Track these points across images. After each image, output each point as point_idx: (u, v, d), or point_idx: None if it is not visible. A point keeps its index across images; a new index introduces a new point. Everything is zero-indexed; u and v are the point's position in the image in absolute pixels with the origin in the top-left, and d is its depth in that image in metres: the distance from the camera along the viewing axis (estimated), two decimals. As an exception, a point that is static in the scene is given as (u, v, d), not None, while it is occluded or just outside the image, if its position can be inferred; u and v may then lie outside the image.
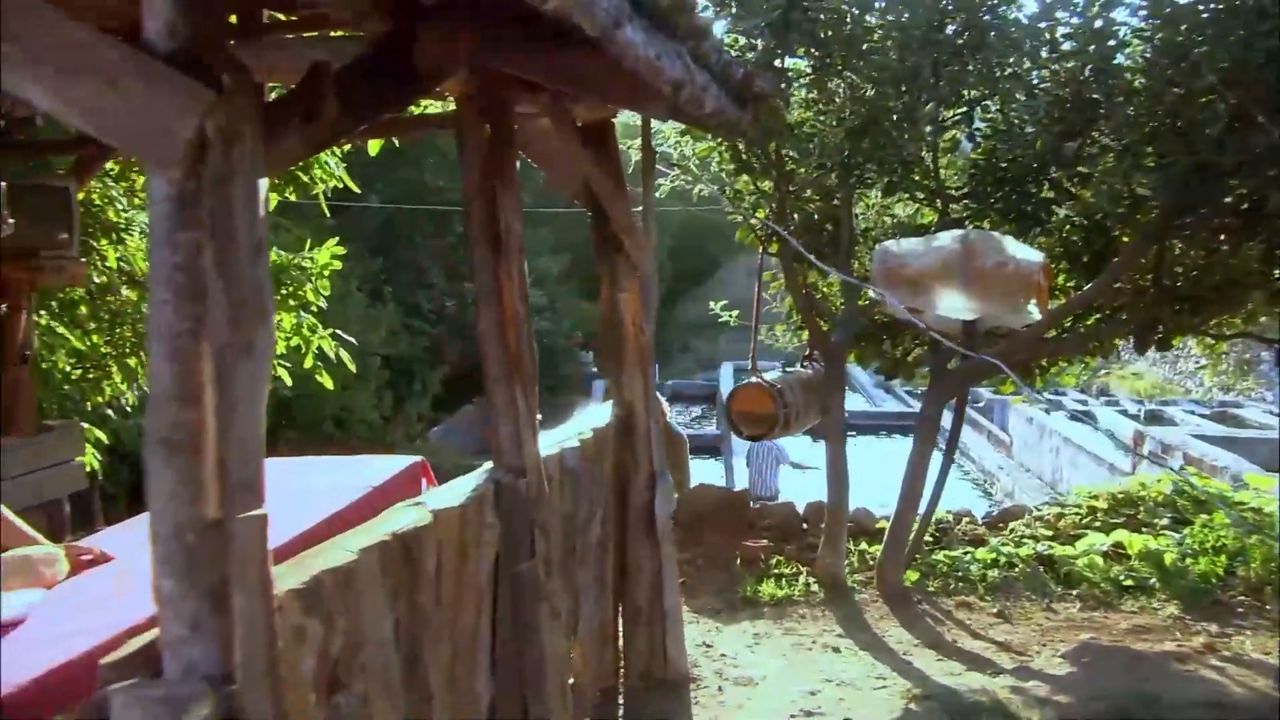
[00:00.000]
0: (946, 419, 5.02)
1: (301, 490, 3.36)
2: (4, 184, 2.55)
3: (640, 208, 3.38)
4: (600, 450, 3.10)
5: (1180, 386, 21.38)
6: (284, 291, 5.58)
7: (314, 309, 5.69)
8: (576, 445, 2.84)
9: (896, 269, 4.33)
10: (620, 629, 3.34)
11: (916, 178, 4.74)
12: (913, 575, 4.62)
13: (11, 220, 2.59)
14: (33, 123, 3.57)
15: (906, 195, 5.03)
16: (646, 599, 3.33)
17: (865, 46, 3.93)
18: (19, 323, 3.69)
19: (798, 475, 8.39)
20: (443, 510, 1.96)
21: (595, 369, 21.99)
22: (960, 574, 4.69)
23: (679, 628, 3.40)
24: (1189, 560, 4.58)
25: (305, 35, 2.57)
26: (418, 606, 1.85)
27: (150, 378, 1.26)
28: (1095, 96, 4.02)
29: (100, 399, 5.80)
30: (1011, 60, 4.24)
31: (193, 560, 1.23)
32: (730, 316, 5.86)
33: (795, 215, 4.50)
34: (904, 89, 4.03)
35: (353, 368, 5.96)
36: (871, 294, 4.48)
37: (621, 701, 3.15)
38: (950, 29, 4.10)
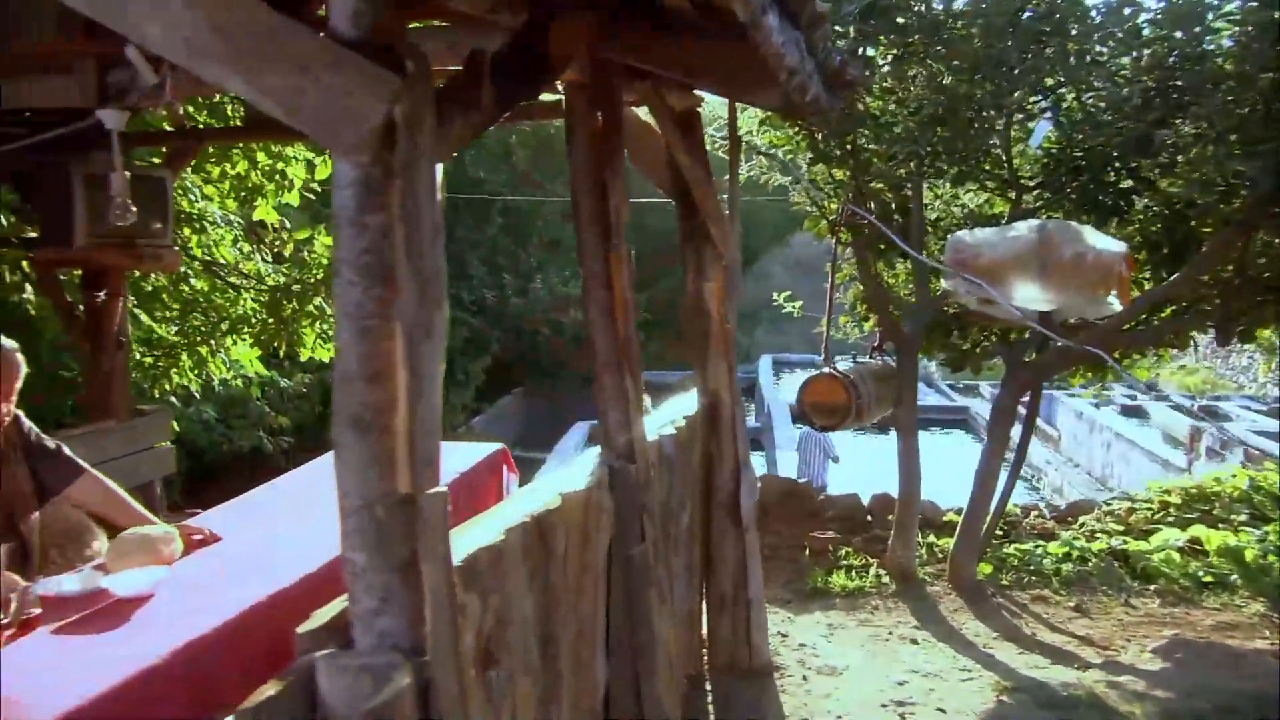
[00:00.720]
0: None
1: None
2: (127, 174, 2.62)
3: (725, 196, 3.38)
4: (691, 439, 3.12)
5: (1232, 382, 20.86)
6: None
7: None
8: (673, 433, 2.86)
9: (970, 259, 4.27)
10: (704, 616, 3.36)
11: (987, 167, 4.68)
12: (986, 568, 4.58)
13: (134, 209, 2.66)
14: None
15: (976, 185, 4.97)
16: (731, 587, 3.34)
17: (946, 35, 3.88)
18: (116, 310, 3.79)
19: (842, 467, 8.39)
20: (570, 494, 1.99)
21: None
22: (1032, 567, 4.64)
23: (763, 616, 3.41)
24: (1271, 557, 4.48)
25: (412, 25, 2.61)
26: (550, 588, 1.88)
27: (337, 357, 1.29)
28: (1180, 83, 3.93)
29: (167, 387, 5.95)
30: (1090, 46, 4.17)
31: (382, 535, 1.26)
32: (794, 308, 5.84)
33: (871, 205, 4.46)
34: (985, 76, 3.98)
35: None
36: (947, 283, 4.43)
37: (709, 688, 3.17)
38: (1026, 14, 4.03)
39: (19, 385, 2.44)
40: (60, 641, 2.12)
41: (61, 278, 3.85)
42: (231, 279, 5.54)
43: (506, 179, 20.63)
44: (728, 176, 3.40)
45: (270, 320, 5.72)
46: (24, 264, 4.10)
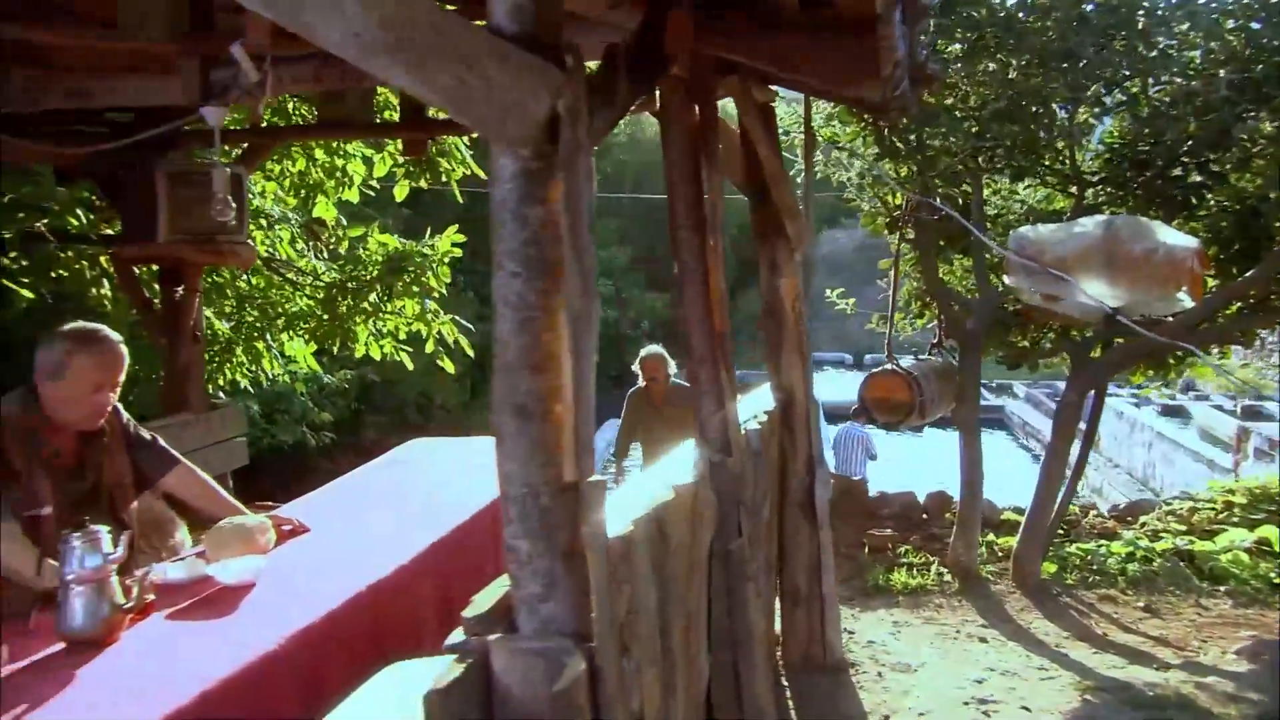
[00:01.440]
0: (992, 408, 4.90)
1: (489, 464, 3.46)
2: (228, 170, 2.67)
3: (801, 191, 3.38)
4: (770, 434, 3.12)
5: (1272, 381, 20.42)
6: (407, 278, 5.72)
7: (435, 295, 5.82)
8: (758, 427, 2.86)
9: (1034, 255, 4.24)
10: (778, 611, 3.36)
11: (1045, 162, 4.63)
12: (1050, 567, 4.54)
13: (234, 205, 2.71)
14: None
15: (1036, 181, 4.92)
16: (805, 582, 3.34)
17: (1019, 28, 3.85)
18: (193, 305, 3.86)
19: (878, 465, 8.38)
20: (680, 487, 2.00)
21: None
22: (1095, 567, 4.59)
23: (836, 613, 3.40)
24: (1344, 558, 4.41)
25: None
26: (665, 580, 1.90)
27: (498, 346, 1.31)
28: (1258, 76, 3.87)
29: (221, 380, 6.04)
30: (1158, 40, 4.11)
31: (546, 521, 1.28)
32: (847, 305, 5.81)
33: (937, 199, 4.43)
34: (1054, 70, 3.94)
35: (471, 352, 6.09)
36: (1010, 280, 4.39)
37: (785, 684, 3.17)
38: (1090, 7, 3.99)
39: (123, 377, 2.50)
40: (178, 627, 2.17)
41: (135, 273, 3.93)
42: (289, 275, 5.62)
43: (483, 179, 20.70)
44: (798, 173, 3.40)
45: (326, 317, 5.79)
46: (102, 260, 4.19)
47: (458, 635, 1.37)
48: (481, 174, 5.62)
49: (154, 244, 3.46)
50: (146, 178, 3.45)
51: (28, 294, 3.86)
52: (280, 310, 5.84)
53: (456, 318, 5.99)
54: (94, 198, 4.09)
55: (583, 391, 1.31)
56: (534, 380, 1.28)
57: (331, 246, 5.95)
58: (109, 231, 4.21)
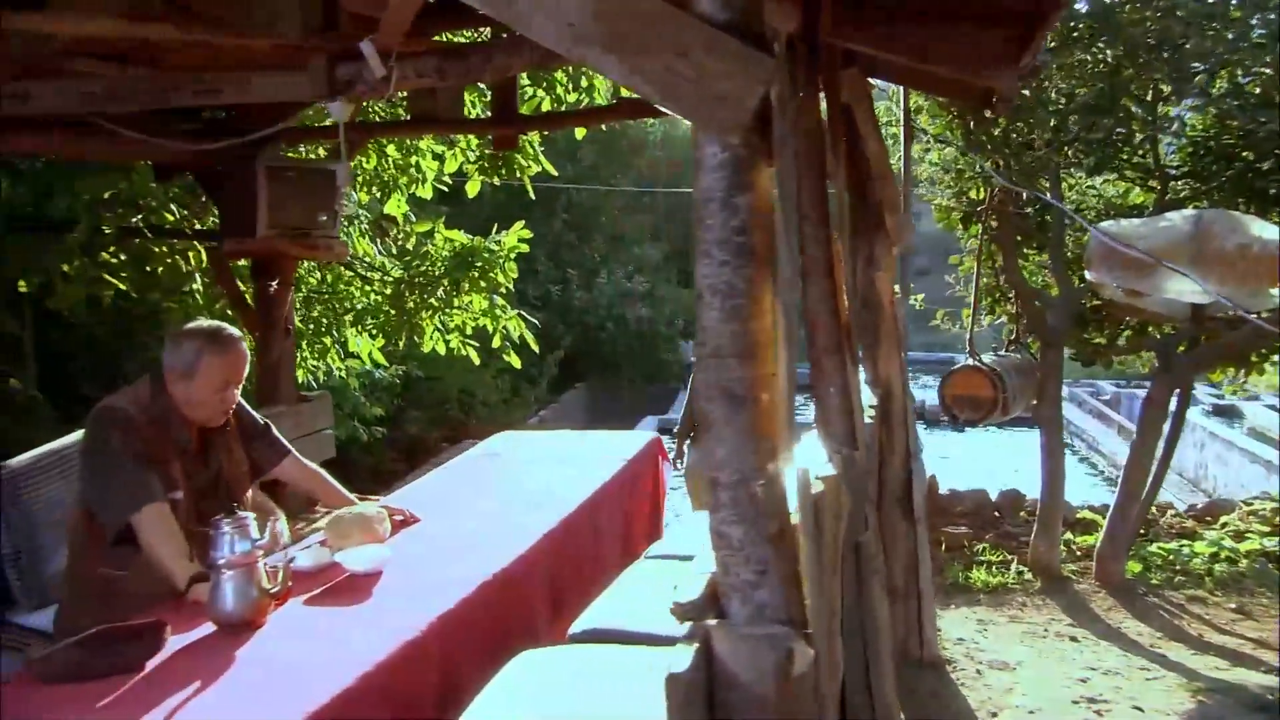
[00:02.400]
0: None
1: (580, 458, 3.49)
2: (348, 166, 2.71)
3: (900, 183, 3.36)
4: (873, 429, 3.11)
5: (1323, 381, 19.89)
6: (474, 274, 5.76)
7: (503, 291, 5.86)
8: (870, 421, 2.85)
9: (1116, 250, 4.18)
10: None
11: (1125, 155, 4.55)
12: (1135, 567, 4.48)
13: (355, 199, 2.75)
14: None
15: (1115, 174, 4.85)
16: (903, 579, 3.32)
17: (1114, 19, 3.79)
18: (286, 298, 3.93)
19: (936, 462, 8.29)
20: (827, 478, 2.00)
21: (695, 358, 21.92)
22: (1178, 567, 4.52)
23: (933, 609, 3.39)
24: None
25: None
26: (818, 570, 1.90)
27: (704, 334, 1.32)
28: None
29: None
30: (1250, 29, 4.03)
31: (758, 508, 1.28)
32: (916, 300, 5.76)
33: (1023, 194, 4.39)
34: (1146, 61, 3.88)
35: (536, 347, 6.13)
36: (1091, 275, 4.32)
37: (886, 679, 3.15)
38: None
39: (245, 374, 2.55)
40: (318, 612, 2.21)
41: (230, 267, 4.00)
42: (361, 270, 5.69)
43: (572, 173, 20.76)
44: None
45: (393, 312, 5.86)
46: (192, 254, 4.28)
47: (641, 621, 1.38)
48: (553, 170, 5.66)
49: (254, 239, 3.52)
50: (246, 173, 3.51)
51: (122, 285, 3.95)
52: (348, 306, 5.92)
53: (523, 313, 6.04)
54: (185, 193, 4.17)
55: (788, 379, 1.32)
56: (743, 368, 1.29)
57: (399, 242, 6.01)
58: (198, 226, 4.30)
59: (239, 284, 4.02)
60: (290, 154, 4.01)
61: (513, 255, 5.89)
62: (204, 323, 2.51)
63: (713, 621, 1.28)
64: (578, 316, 20.13)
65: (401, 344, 6.09)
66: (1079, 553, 4.74)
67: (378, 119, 4.52)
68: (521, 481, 3.26)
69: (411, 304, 5.81)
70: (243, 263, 4.04)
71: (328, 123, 4.00)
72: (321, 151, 4.54)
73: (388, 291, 5.88)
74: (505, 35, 2.83)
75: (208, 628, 2.08)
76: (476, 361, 6.14)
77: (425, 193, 5.39)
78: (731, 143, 1.30)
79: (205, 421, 2.46)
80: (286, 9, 2.38)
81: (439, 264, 5.79)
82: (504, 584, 2.47)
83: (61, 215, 3.82)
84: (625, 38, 1.28)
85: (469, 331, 5.95)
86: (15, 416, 4.96)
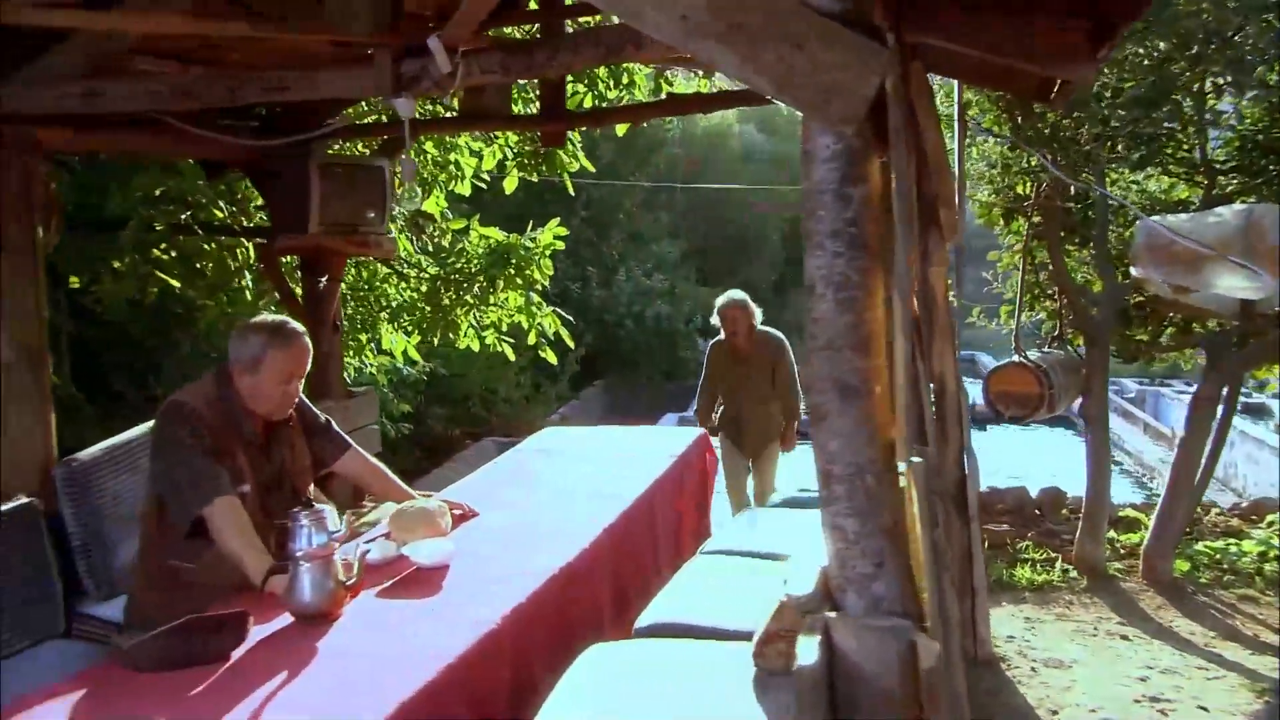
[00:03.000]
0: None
1: (631, 453, 3.50)
2: (405, 157, 2.73)
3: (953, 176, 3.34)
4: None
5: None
6: (510, 271, 5.78)
7: (539, 288, 5.88)
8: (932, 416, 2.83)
9: (1164, 246, 4.14)
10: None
11: (1169, 150, 4.50)
12: (1183, 565, 4.43)
13: (419, 192, 2.77)
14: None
15: (1159, 169, 4.79)
16: (957, 574, 3.30)
17: (1168, 12, 3.75)
18: (335, 294, 3.96)
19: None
20: (917, 466, 2.00)
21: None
22: (1225, 566, 4.47)
23: (986, 606, 3.36)
24: None
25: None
26: (936, 564, 1.89)
27: (817, 326, 1.32)
28: None
29: None
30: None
31: (872, 500, 1.28)
32: (954, 296, 5.71)
33: (1072, 190, 4.35)
34: (1198, 54, 3.83)
35: (571, 344, 6.14)
36: (1138, 271, 4.28)
37: (941, 675, 3.14)
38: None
39: (309, 365, 2.57)
40: (391, 604, 2.23)
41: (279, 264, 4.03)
42: (398, 268, 5.72)
43: (590, 171, 20.76)
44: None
45: (428, 309, 5.88)
46: (240, 251, 4.31)
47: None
48: (590, 167, 5.67)
49: (306, 235, 3.54)
50: (299, 170, 3.53)
51: (173, 282, 3.99)
52: (384, 303, 5.95)
53: (559, 310, 6.05)
54: (229, 190, 4.20)
55: (902, 370, 1.31)
56: (857, 359, 1.29)
57: (435, 239, 6.04)
58: (244, 223, 4.33)
59: (287, 281, 4.05)
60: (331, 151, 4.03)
61: (548, 252, 5.90)
62: (268, 317, 2.53)
63: (832, 614, 1.28)
64: (596, 314, 20.16)
65: (436, 340, 6.11)
66: (1123, 551, 4.70)
67: (416, 115, 4.53)
68: (576, 477, 3.27)
69: (447, 301, 5.84)
70: (286, 259, 4.07)
71: (369, 119, 4.03)
72: (360, 148, 4.57)
73: (423, 289, 5.91)
74: (570, 30, 2.83)
75: (282, 620, 2.10)
76: (511, 358, 6.15)
77: (464, 190, 5.42)
78: (846, 134, 1.30)
79: (270, 414, 2.48)
80: (360, 6, 2.40)
81: (475, 261, 5.81)
82: (569, 578, 2.48)
83: (113, 213, 3.86)
84: (740, 30, 1.28)
85: (504, 328, 5.97)
86: (59, 414, 5.00)
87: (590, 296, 20.18)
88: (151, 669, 1.87)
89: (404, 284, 5.93)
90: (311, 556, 2.10)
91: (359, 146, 4.26)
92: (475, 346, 6.06)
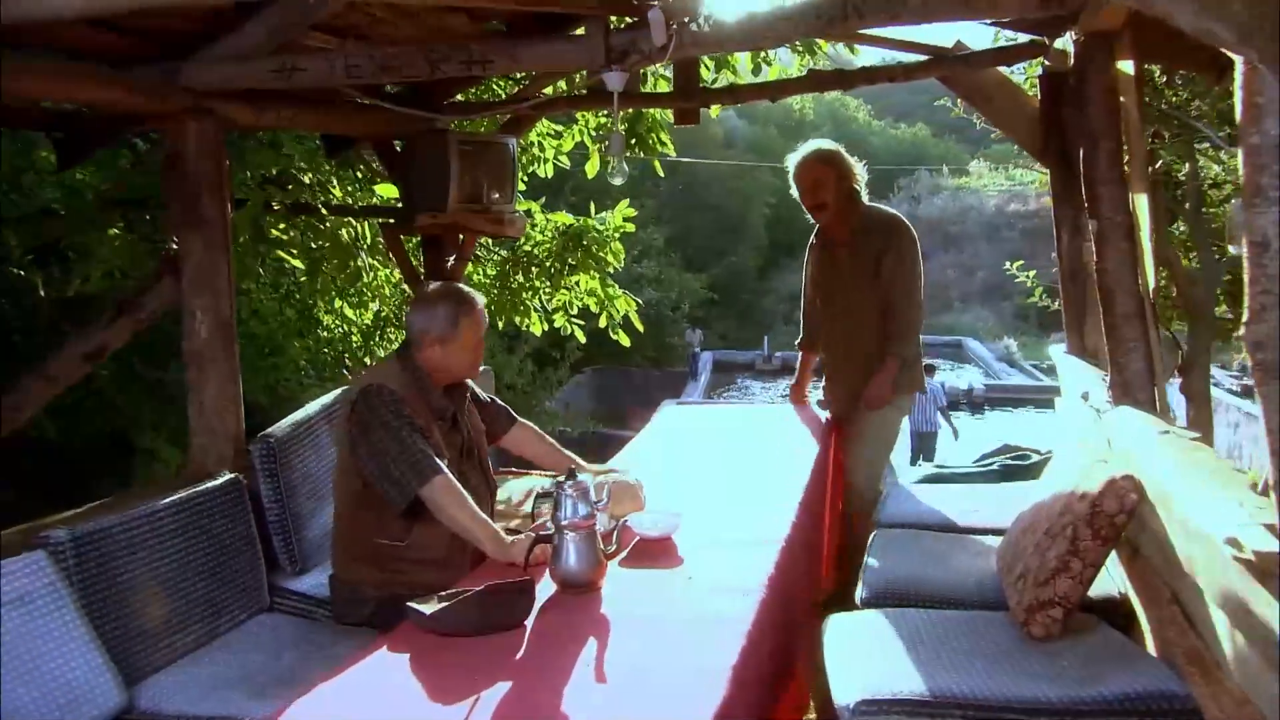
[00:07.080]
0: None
1: (777, 432, 3.51)
2: (620, 133, 2.70)
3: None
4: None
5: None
6: (580, 253, 5.74)
7: (612, 270, 5.85)
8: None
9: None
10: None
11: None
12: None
13: (627, 170, 2.75)
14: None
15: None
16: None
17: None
18: (461, 273, 3.91)
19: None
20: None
21: (698, 346, 21.97)
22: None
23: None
24: None
25: None
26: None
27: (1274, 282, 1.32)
28: None
29: (367, 360, 6.05)
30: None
31: None
32: (1027, 277, 5.81)
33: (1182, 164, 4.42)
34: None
35: (640, 327, 6.13)
36: (1235, 249, 4.38)
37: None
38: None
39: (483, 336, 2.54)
40: (645, 575, 2.22)
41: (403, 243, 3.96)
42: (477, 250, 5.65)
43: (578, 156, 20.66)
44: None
45: (497, 292, 5.83)
46: (359, 228, 4.22)
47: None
48: (672, 151, 5.64)
49: (446, 213, 3.49)
50: (438, 146, 3.48)
51: (296, 262, 3.91)
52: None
53: (628, 293, 6.03)
54: (345, 168, 4.12)
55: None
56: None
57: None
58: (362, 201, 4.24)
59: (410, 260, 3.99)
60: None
61: (618, 235, 5.87)
62: (442, 285, 2.55)
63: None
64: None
65: (502, 324, 6.05)
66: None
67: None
68: (736, 454, 3.27)
69: (515, 284, 5.80)
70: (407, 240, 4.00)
71: (547, 94, 3.83)
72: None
73: (492, 272, 5.85)
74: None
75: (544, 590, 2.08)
76: (581, 340, 6.12)
77: (545, 172, 5.36)
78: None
79: (459, 378, 2.48)
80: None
81: (546, 245, 5.76)
82: (789, 547, 2.49)
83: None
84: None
85: (574, 311, 5.94)
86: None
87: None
88: (454, 633, 1.86)
89: (473, 266, 5.86)
90: (576, 526, 2.09)
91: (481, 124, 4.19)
92: (536, 330, 6.02)
